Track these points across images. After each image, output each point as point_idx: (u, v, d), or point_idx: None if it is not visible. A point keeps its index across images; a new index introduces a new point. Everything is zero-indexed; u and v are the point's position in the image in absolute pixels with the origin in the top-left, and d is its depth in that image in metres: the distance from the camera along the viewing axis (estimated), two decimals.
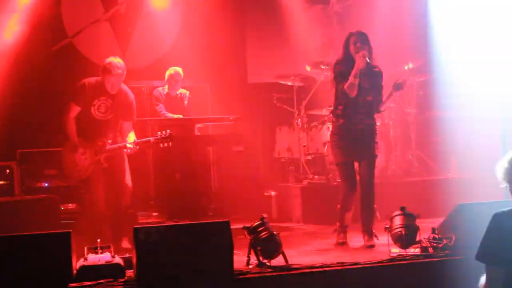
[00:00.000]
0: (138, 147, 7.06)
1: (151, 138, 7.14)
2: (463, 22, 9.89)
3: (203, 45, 10.06)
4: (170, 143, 7.10)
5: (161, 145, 7.11)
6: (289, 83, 9.56)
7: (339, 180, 7.27)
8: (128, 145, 6.98)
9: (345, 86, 6.73)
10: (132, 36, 10.25)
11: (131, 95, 7.25)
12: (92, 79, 7.11)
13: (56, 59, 9.73)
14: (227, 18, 10.28)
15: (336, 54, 7.32)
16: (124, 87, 7.22)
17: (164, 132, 7.10)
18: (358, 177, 6.98)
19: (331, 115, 7.24)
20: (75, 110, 7.06)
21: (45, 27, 9.50)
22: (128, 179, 7.17)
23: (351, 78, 6.69)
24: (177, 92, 8.93)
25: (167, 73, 8.91)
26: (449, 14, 10.16)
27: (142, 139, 7.15)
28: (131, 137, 7.15)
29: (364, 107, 6.86)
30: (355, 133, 6.86)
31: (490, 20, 9.60)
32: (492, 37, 9.19)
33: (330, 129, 7.47)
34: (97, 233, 6.70)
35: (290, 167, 9.41)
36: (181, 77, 8.88)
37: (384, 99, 6.96)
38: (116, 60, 7.02)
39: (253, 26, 10.84)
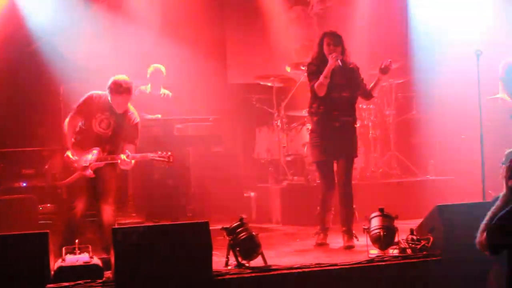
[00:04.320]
0: (133, 161, 6.73)
1: (148, 154, 6.83)
2: (443, 22, 10.00)
3: (183, 45, 10.03)
4: (168, 165, 6.87)
5: (157, 163, 6.92)
6: (269, 84, 9.57)
7: (319, 181, 7.29)
8: (122, 158, 6.64)
9: (315, 86, 6.80)
10: (112, 35, 10.19)
11: (137, 118, 6.96)
12: (98, 93, 6.83)
13: (35, 58, 9.65)
14: (207, 18, 10.27)
15: None
16: (133, 110, 6.94)
17: (165, 152, 6.85)
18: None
19: (308, 114, 7.28)
20: (77, 120, 6.82)
21: (24, 25, 9.42)
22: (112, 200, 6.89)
23: (321, 78, 6.76)
24: (160, 92, 8.88)
25: (149, 71, 8.85)
26: (429, 15, 10.25)
27: (139, 154, 6.84)
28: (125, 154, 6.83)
29: (340, 103, 6.89)
30: (332, 131, 6.87)
31: (468, 19, 9.72)
32: (470, 36, 9.29)
33: (310, 128, 7.47)
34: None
35: (270, 168, 9.41)
36: (162, 74, 8.82)
37: (372, 85, 7.02)
38: (122, 79, 6.70)
39: (233, 26, 10.85)
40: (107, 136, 6.80)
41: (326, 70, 6.74)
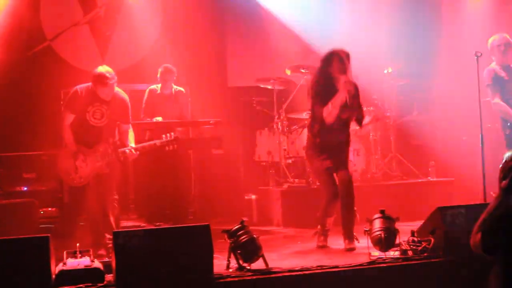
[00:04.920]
0: (137, 152, 7.04)
1: (156, 141, 7.14)
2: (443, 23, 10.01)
3: (183, 48, 10.05)
4: (176, 146, 7.11)
5: (167, 148, 7.10)
6: (269, 87, 9.57)
7: (318, 184, 7.29)
8: (132, 151, 6.98)
9: (324, 114, 6.72)
10: (111, 39, 10.23)
11: (126, 98, 7.20)
12: (83, 86, 7.05)
13: (35, 63, 9.68)
14: (207, 21, 10.29)
15: (315, 58, 7.34)
16: (118, 90, 7.15)
17: (169, 135, 7.13)
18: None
19: (308, 132, 7.20)
20: (69, 117, 7.02)
21: (24, 30, 9.45)
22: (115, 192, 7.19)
23: (332, 108, 6.67)
24: (173, 90, 8.89)
25: (159, 71, 8.86)
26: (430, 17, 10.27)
27: (148, 143, 7.16)
28: (132, 141, 7.13)
29: (339, 124, 6.88)
30: (330, 147, 6.91)
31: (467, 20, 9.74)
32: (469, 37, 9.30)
33: (305, 142, 7.44)
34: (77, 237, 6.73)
35: (271, 171, 9.41)
36: (173, 74, 8.82)
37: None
38: (105, 70, 6.93)
39: (233, 29, 10.86)
40: (104, 126, 6.99)
41: (338, 101, 6.64)
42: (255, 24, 10.65)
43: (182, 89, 8.95)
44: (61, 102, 8.84)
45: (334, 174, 6.96)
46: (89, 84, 7.01)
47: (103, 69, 6.94)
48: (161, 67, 8.87)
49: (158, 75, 8.85)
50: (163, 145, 7.09)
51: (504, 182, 3.89)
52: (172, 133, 7.13)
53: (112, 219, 7.01)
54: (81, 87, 7.04)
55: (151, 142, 7.14)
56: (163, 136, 7.12)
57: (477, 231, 3.88)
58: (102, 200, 6.99)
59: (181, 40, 10.14)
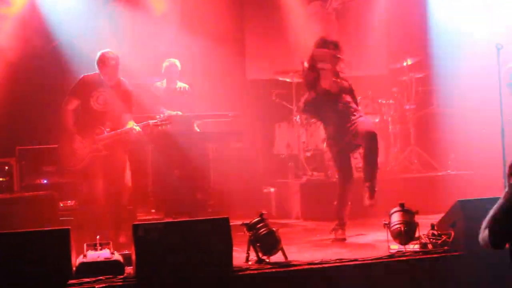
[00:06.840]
0: (135, 131, 7.15)
1: (150, 121, 7.28)
2: (463, 14, 9.93)
3: (202, 41, 10.04)
4: (169, 125, 7.32)
5: (160, 127, 7.32)
6: (288, 80, 9.56)
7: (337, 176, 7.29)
8: (126, 130, 7.15)
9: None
10: (130, 32, 10.23)
11: (129, 87, 7.43)
12: (90, 74, 7.30)
13: (54, 56, 9.71)
14: (225, 14, 10.28)
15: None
16: (122, 79, 7.39)
17: (162, 115, 7.40)
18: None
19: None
20: (73, 103, 7.28)
21: (43, 23, 9.48)
22: (128, 178, 7.34)
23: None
24: (177, 86, 8.88)
25: (163, 65, 8.88)
26: (449, 8, 10.19)
27: (142, 123, 7.28)
28: (130, 124, 7.27)
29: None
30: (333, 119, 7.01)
31: (489, 11, 9.65)
32: (491, 29, 9.23)
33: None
34: (97, 229, 6.79)
35: (289, 164, 9.41)
36: (177, 68, 8.83)
37: None
38: (107, 51, 7.20)
39: (252, 22, 10.85)
40: (106, 112, 7.22)
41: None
42: (274, 17, 10.62)
43: (186, 85, 8.93)
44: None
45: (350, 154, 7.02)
46: (95, 72, 7.26)
47: (104, 50, 7.21)
48: (166, 61, 8.86)
49: (163, 70, 8.84)
50: (156, 125, 7.27)
51: None
52: (166, 113, 7.46)
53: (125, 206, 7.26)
54: (87, 75, 7.32)
55: (145, 122, 7.28)
56: (157, 116, 7.36)
57: (485, 227, 3.85)
58: (111, 189, 7.17)
59: (200, 33, 10.12)
